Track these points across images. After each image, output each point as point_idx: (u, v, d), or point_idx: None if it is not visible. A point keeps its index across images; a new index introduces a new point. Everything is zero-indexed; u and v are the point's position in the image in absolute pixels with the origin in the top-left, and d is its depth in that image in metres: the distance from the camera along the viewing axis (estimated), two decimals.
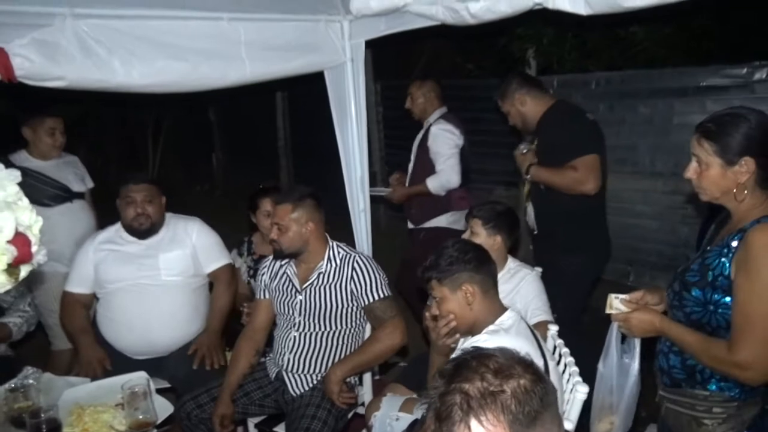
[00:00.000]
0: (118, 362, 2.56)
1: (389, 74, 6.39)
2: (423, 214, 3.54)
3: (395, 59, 6.22)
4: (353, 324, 2.43)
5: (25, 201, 1.38)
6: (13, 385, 1.90)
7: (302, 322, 2.39)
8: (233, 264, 2.97)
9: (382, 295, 2.35)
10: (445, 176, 3.41)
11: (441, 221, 3.51)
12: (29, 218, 1.36)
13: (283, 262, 2.45)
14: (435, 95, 3.59)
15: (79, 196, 3.32)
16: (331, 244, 2.42)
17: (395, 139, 6.62)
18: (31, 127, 3.19)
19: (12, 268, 1.33)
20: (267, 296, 2.51)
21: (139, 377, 1.95)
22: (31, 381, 1.95)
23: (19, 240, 1.32)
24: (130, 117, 8.01)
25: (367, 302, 2.34)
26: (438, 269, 1.86)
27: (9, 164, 3.03)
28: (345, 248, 2.44)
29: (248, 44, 2.82)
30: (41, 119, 3.18)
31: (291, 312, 2.41)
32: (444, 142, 3.43)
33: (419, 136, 3.62)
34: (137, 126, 8.24)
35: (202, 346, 2.63)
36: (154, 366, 2.64)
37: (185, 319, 2.68)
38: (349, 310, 2.38)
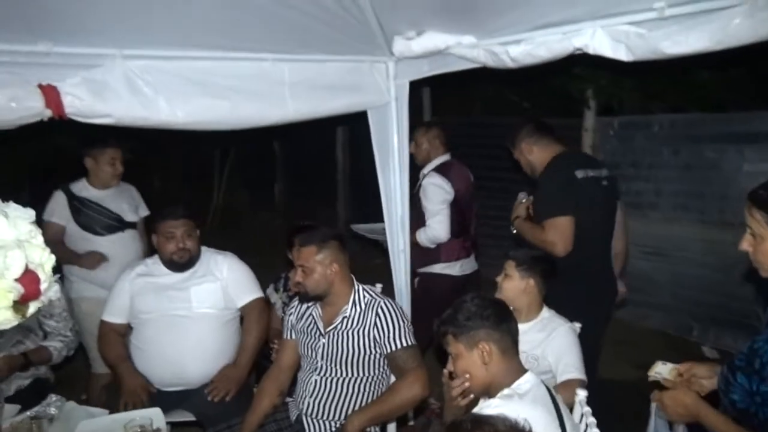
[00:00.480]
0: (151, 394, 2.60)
1: (448, 112, 6.38)
2: (417, 260, 3.47)
3: (453, 97, 6.21)
4: (376, 371, 2.36)
5: (39, 239, 1.42)
6: (33, 413, 1.95)
7: (324, 366, 2.35)
8: (265, 299, 2.98)
9: (405, 344, 2.28)
10: (432, 232, 3.45)
11: (435, 268, 3.56)
12: (40, 256, 1.39)
13: (309, 303, 2.43)
14: (440, 142, 3.59)
15: (131, 225, 3.45)
16: (356, 287, 2.39)
17: None
18: (92, 157, 3.34)
19: (19, 305, 1.36)
20: (293, 336, 2.49)
21: (153, 413, 1.96)
22: (52, 410, 2.01)
23: (28, 278, 1.35)
24: (200, 146, 8.32)
25: (389, 350, 2.28)
26: (455, 324, 1.78)
27: (69, 192, 3.36)
28: (371, 292, 2.39)
29: (292, 84, 2.87)
30: (102, 149, 3.33)
31: (314, 355, 2.37)
32: (432, 196, 3.45)
33: (418, 185, 3.59)
34: (205, 155, 8.57)
35: (222, 379, 2.65)
36: (182, 398, 2.68)
37: (215, 352, 2.70)
38: (372, 357, 2.32)
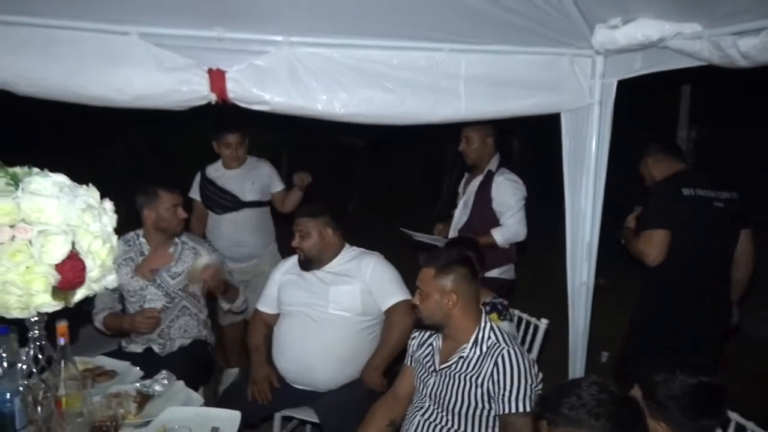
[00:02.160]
0: (279, 387, 2.59)
1: (708, 120, 5.26)
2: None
3: (716, 102, 5.08)
4: (487, 430, 1.95)
5: (95, 226, 1.39)
6: (139, 386, 2.03)
7: (431, 408, 2.02)
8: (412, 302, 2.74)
9: (521, 409, 1.82)
10: (514, 229, 3.19)
11: (494, 272, 3.24)
12: (91, 244, 1.36)
13: (432, 332, 2.11)
14: (494, 140, 3.32)
15: (252, 204, 3.66)
16: (483, 324, 1.99)
17: None
18: (216, 141, 3.64)
19: (60, 290, 1.35)
20: (412, 364, 2.21)
21: (231, 416, 1.88)
22: (157, 387, 2.06)
23: (70, 264, 1.33)
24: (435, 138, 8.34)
25: (503, 411, 1.85)
26: (555, 410, 1.31)
27: (204, 173, 3.65)
28: (499, 334, 1.98)
29: (468, 78, 2.55)
30: (224, 135, 3.59)
31: (424, 391, 2.06)
32: (512, 192, 3.21)
33: (476, 182, 3.32)
34: (440, 146, 8.54)
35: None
36: (310, 398, 2.60)
37: (345, 358, 2.55)
38: (485, 412, 1.92)
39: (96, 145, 7.63)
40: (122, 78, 2.30)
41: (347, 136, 7.82)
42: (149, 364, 2.52)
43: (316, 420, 2.59)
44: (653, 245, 2.65)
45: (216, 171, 3.70)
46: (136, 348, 2.79)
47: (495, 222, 3.22)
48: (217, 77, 2.37)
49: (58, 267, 1.32)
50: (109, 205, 1.51)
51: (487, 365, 1.91)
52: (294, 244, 2.65)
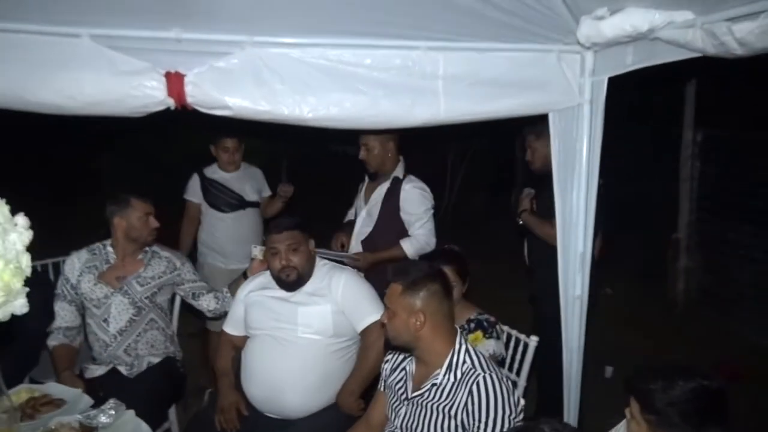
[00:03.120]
0: (249, 415, 2.42)
1: (714, 121, 5.04)
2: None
3: (722, 102, 4.86)
4: None
5: (0, 248, 1.23)
6: (84, 417, 1.86)
7: None
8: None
9: None
10: (424, 240, 3.08)
11: None
12: None
13: (406, 354, 1.93)
14: (395, 145, 3.19)
15: (252, 204, 3.80)
16: (457, 347, 1.80)
17: (713, 201, 5.25)
18: (214, 145, 3.72)
19: None
20: (385, 390, 2.02)
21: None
22: (103, 418, 1.90)
23: None
24: (435, 145, 8.15)
25: None
26: None
27: (202, 174, 3.69)
28: (475, 358, 1.79)
29: (447, 78, 2.37)
30: (222, 139, 3.66)
31: (395, 420, 1.87)
32: (421, 201, 3.12)
33: (381, 190, 3.18)
34: (441, 153, 8.37)
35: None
36: (281, 427, 2.42)
37: (317, 384, 2.37)
38: None
39: (88, 153, 7.54)
40: (73, 83, 2.14)
41: (339, 144, 7.68)
42: (116, 387, 2.37)
43: None
44: None
45: (215, 173, 3.77)
46: (99, 370, 2.63)
47: (402, 232, 3.10)
48: (174, 81, 2.20)
49: None
50: (22, 220, 1.35)
51: (461, 394, 1.72)
52: (282, 263, 2.41)
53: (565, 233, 2.55)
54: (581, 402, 2.64)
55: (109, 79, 2.17)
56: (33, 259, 3.07)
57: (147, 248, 2.77)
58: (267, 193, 3.93)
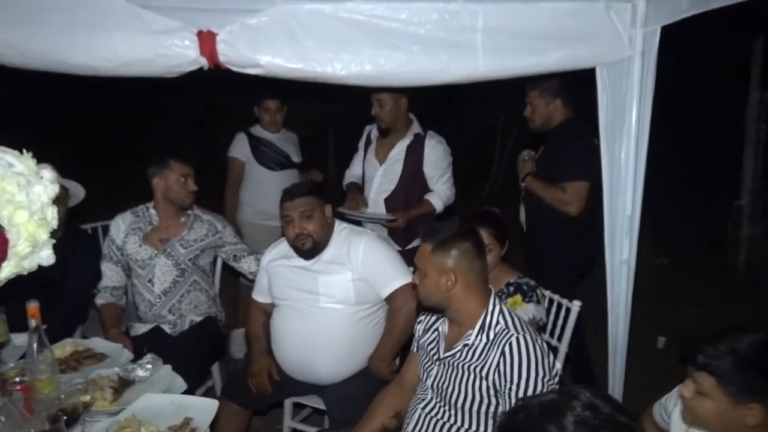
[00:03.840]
0: (281, 379, 2.46)
1: None
2: (411, 235, 3.10)
3: None
4: (493, 430, 1.71)
5: (21, 196, 1.24)
6: (120, 370, 1.91)
7: (432, 401, 1.80)
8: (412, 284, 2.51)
9: None
10: (449, 193, 3.20)
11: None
12: (11, 215, 1.21)
13: (439, 315, 1.88)
14: (407, 101, 3.19)
15: (296, 166, 3.84)
16: (491, 308, 1.73)
17: None
18: (257, 107, 3.75)
19: None
20: (417, 350, 1.98)
21: (207, 405, 1.73)
22: (140, 371, 1.94)
23: None
24: (483, 107, 7.86)
25: (509, 407, 1.60)
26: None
27: (249, 133, 3.71)
28: (509, 318, 1.72)
29: (487, 31, 2.25)
30: (264, 100, 3.69)
31: (426, 380, 1.84)
32: (445, 156, 3.19)
33: (401, 146, 3.18)
34: (489, 115, 8.08)
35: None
36: (314, 390, 2.45)
37: (344, 353, 2.36)
38: (490, 408, 1.69)
39: (143, 127, 7.80)
40: (106, 44, 2.15)
41: None
42: (159, 344, 2.43)
43: (322, 407, 2.43)
44: (577, 196, 2.78)
45: (260, 133, 3.78)
46: (143, 328, 2.70)
47: (424, 188, 3.17)
48: (207, 40, 2.18)
49: None
50: (48, 174, 1.35)
51: (493, 354, 1.67)
52: (296, 231, 2.38)
53: (612, 195, 2.42)
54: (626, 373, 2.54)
55: (142, 39, 2.16)
56: (85, 222, 3.23)
57: (189, 212, 2.81)
58: (298, 159, 3.94)
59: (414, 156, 3.14)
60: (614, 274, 2.47)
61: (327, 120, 7.31)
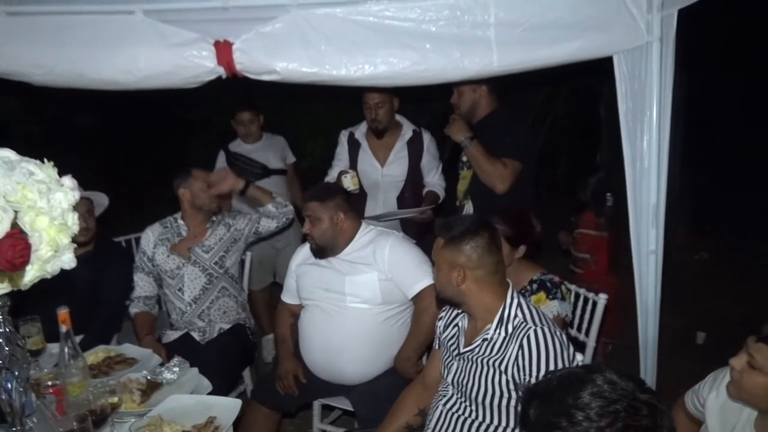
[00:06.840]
0: (309, 380, 2.47)
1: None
2: (419, 227, 3.25)
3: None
4: (515, 422, 1.68)
5: (42, 202, 1.29)
6: (147, 373, 1.96)
7: (453, 396, 1.79)
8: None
9: None
10: (443, 182, 3.36)
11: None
12: (32, 221, 1.27)
13: (459, 311, 1.87)
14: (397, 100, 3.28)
15: (277, 172, 3.89)
16: (509, 301, 1.71)
17: None
18: (233, 119, 3.86)
19: (5, 272, 1.26)
20: (439, 347, 1.97)
21: (231, 404, 1.76)
22: (167, 374, 1.98)
23: (9, 243, 1.23)
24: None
25: None
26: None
27: (227, 149, 3.81)
28: (527, 311, 1.70)
29: (499, 25, 2.24)
30: (240, 113, 3.80)
31: (447, 376, 1.83)
32: (437, 149, 3.34)
33: (402, 141, 3.29)
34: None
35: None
36: (340, 391, 2.46)
37: (370, 353, 2.36)
38: (511, 402, 1.66)
39: (180, 140, 8.01)
40: (128, 58, 2.24)
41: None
42: (188, 351, 2.47)
43: (350, 408, 2.44)
44: (512, 175, 2.73)
45: (238, 146, 3.89)
46: (173, 335, 2.76)
47: (422, 182, 3.31)
48: (223, 49, 2.25)
49: None
50: (69, 182, 1.41)
51: (512, 348, 1.65)
52: (304, 231, 2.45)
53: (635, 184, 2.37)
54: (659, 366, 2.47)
55: (162, 52, 2.24)
56: (118, 234, 3.32)
57: (214, 217, 2.87)
58: (291, 159, 4.02)
59: (415, 150, 3.26)
60: (641, 265, 2.42)
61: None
